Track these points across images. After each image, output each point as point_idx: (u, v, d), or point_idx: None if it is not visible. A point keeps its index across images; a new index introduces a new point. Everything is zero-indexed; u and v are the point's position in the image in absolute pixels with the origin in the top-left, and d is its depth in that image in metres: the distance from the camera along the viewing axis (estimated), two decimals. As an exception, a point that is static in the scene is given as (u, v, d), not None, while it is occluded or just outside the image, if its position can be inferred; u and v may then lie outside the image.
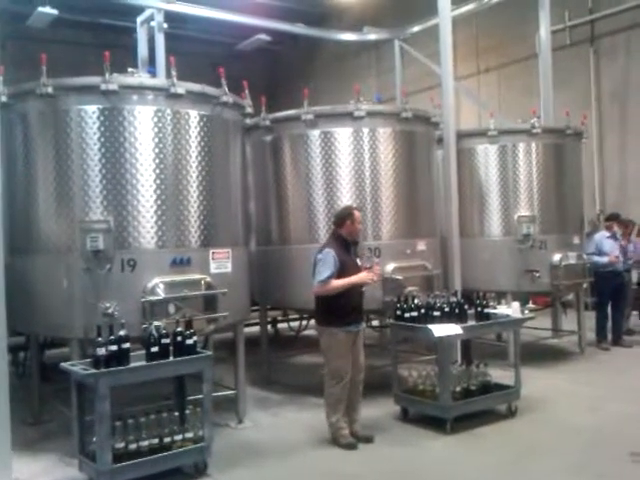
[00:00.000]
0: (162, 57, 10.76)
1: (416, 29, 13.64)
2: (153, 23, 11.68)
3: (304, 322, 10.15)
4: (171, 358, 5.16)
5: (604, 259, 9.51)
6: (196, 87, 6.13)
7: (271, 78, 20.34)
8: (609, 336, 9.82)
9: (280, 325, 11.00)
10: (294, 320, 10.44)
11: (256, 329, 8.72)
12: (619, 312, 9.97)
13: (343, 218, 5.97)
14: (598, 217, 13.32)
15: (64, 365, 5.10)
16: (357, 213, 5.97)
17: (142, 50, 11.51)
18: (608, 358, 9.18)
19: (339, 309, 5.77)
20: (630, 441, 5.69)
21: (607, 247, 9.73)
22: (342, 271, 5.74)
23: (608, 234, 9.96)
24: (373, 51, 17.87)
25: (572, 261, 8.77)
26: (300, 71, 20.04)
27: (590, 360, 9.07)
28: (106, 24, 17.65)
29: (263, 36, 17.37)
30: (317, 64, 20.03)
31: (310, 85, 17.75)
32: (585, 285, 9.36)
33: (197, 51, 19.25)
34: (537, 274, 8.54)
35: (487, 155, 8.98)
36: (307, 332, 10.63)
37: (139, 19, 11.78)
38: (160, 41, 10.86)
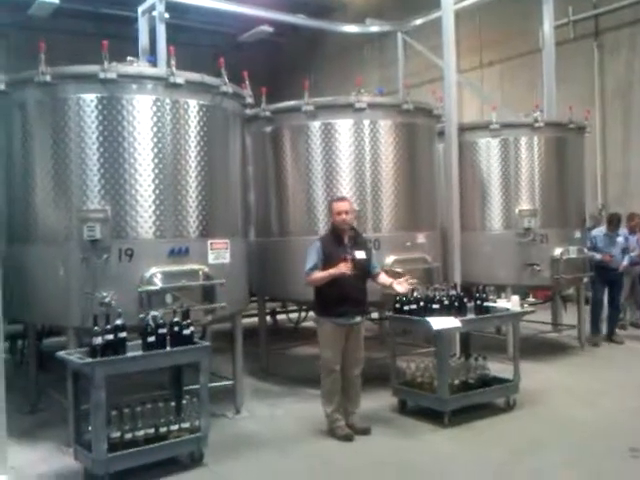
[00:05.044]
0: (163, 47, 10.68)
1: (419, 22, 13.55)
2: (154, 13, 11.62)
3: (303, 314, 10.13)
4: (168, 348, 5.15)
5: (597, 256, 9.46)
6: (195, 77, 6.10)
7: (273, 70, 20.24)
8: (603, 331, 9.80)
9: (279, 316, 10.99)
10: (293, 312, 10.43)
11: (255, 320, 8.71)
12: (614, 307, 9.95)
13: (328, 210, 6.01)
14: (600, 211, 13.28)
15: (60, 354, 5.08)
16: (337, 204, 5.91)
17: (143, 40, 11.45)
18: (607, 353, 9.17)
19: (327, 300, 5.77)
20: (629, 436, 5.67)
21: (601, 244, 9.73)
22: (327, 262, 5.73)
23: (605, 231, 9.92)
24: (376, 43, 17.78)
25: (573, 255, 8.74)
26: (302, 63, 19.96)
27: (589, 355, 9.05)
28: (108, 14, 17.61)
29: (265, 27, 17.29)
30: (319, 56, 19.95)
31: (312, 77, 17.78)
32: (586, 279, 9.32)
33: (199, 42, 19.21)
34: (538, 268, 8.51)
35: (489, 148, 8.93)
36: (306, 324, 10.64)
37: (140, 9, 11.71)
38: (161, 31, 10.78)
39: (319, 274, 5.69)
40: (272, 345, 8.60)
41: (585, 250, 9.14)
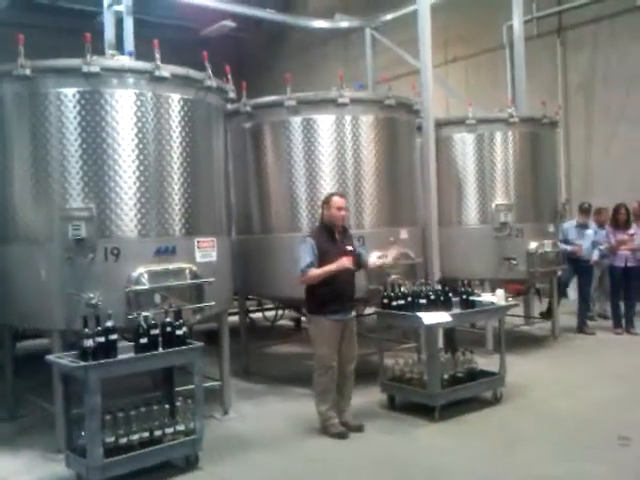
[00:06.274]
0: (131, 41, 10.48)
1: (389, 17, 13.58)
2: (118, 7, 11.36)
3: (280, 312, 10.05)
4: (160, 349, 5.02)
5: (568, 247, 9.69)
6: (180, 70, 5.96)
7: (236, 66, 19.98)
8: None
9: (254, 315, 10.87)
10: (269, 310, 10.34)
11: (233, 319, 8.58)
12: (583, 299, 10.18)
13: (321, 205, 5.94)
14: (564, 206, 13.52)
15: (50, 357, 4.91)
16: (336, 198, 5.84)
17: (109, 34, 11.15)
18: (580, 344, 9.36)
19: (322, 297, 5.69)
20: (616, 425, 5.77)
21: (572, 236, 9.99)
22: (322, 259, 5.67)
23: (575, 223, 10.24)
24: (341, 40, 17.74)
25: (548, 249, 8.89)
26: (265, 59, 19.79)
27: (563, 347, 9.22)
28: (67, 8, 17.16)
29: (228, 22, 17.11)
30: (283, 53, 19.80)
31: (276, 73, 17.63)
32: (559, 272, 9.50)
33: (160, 37, 18.81)
34: (514, 262, 8.62)
35: (464, 144, 9.01)
36: (282, 322, 10.57)
37: (106, 1, 11.40)
38: (129, 24, 10.54)
39: (317, 271, 5.61)
40: (250, 344, 8.49)
41: (559, 243, 9.31)
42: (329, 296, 5.66)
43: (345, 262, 5.60)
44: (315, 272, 5.63)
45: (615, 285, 10.00)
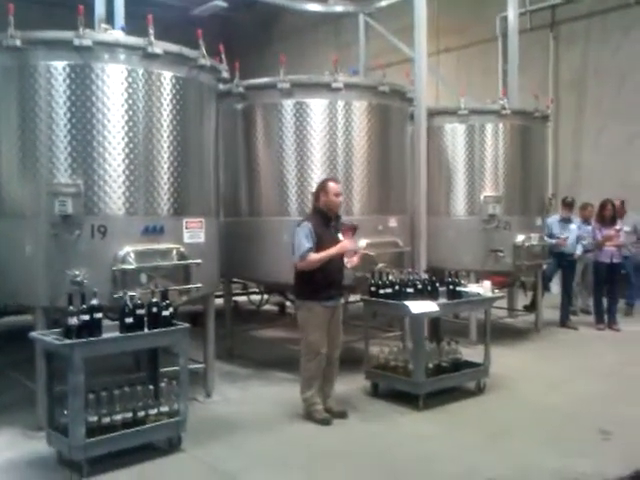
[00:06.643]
0: (121, 17, 10.25)
1: (384, 3, 13.47)
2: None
3: (265, 296, 10.01)
4: (146, 330, 4.96)
5: (552, 241, 9.73)
6: (173, 48, 5.86)
7: (226, 47, 19.80)
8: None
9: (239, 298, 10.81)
10: (254, 294, 10.29)
11: (218, 301, 8.52)
12: (566, 293, 10.24)
13: (318, 191, 5.87)
14: (550, 200, 13.57)
15: (34, 334, 4.83)
16: (332, 185, 5.80)
17: (99, 8, 10.89)
18: (563, 338, 9.42)
19: (316, 282, 5.65)
20: (598, 419, 5.81)
21: (556, 230, 10.03)
22: (319, 245, 5.62)
23: (559, 217, 10.30)
24: (332, 25, 17.62)
25: (534, 242, 8.92)
26: (256, 41, 19.61)
27: (547, 340, 9.28)
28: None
29: (219, 2, 16.88)
30: (274, 36, 19.64)
31: (266, 56, 17.47)
32: (545, 266, 9.55)
33: (150, 15, 18.56)
34: (501, 254, 8.64)
35: (455, 134, 8.98)
36: (265, 307, 10.53)
37: (97, -25, 11.18)
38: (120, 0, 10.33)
39: (317, 256, 5.56)
40: (235, 327, 8.44)
41: (545, 237, 9.34)
42: (323, 282, 5.63)
43: (347, 245, 5.60)
44: (315, 256, 5.56)
45: (599, 281, 10.06)
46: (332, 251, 5.60)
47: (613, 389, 6.81)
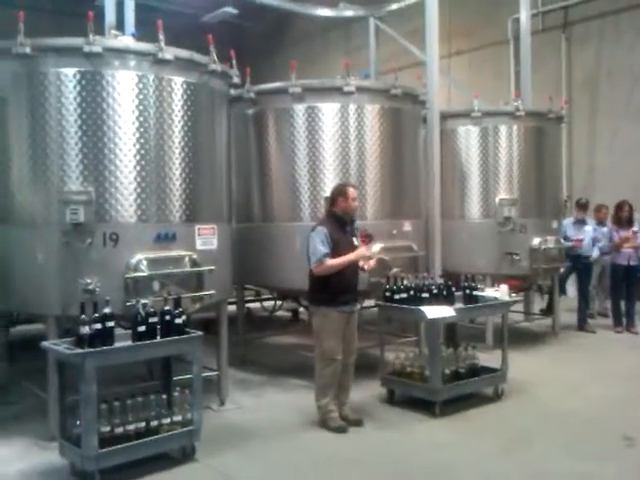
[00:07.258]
0: (132, 23, 10.25)
1: (394, 7, 13.42)
2: (120, -10, 11.17)
3: (278, 302, 9.93)
4: (159, 338, 4.90)
5: (567, 243, 9.59)
6: (184, 53, 5.82)
7: (236, 53, 19.82)
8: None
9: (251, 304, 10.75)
10: (267, 300, 10.22)
11: (230, 308, 8.46)
12: (582, 297, 10.09)
13: (336, 195, 5.78)
14: (565, 203, 13.43)
15: (46, 344, 4.78)
16: (351, 190, 5.76)
17: (109, 16, 10.91)
18: (581, 342, 9.27)
19: (332, 288, 5.57)
20: (621, 425, 5.68)
21: (571, 232, 9.89)
22: (335, 249, 5.55)
23: (573, 219, 10.19)
24: (342, 30, 17.58)
25: (551, 245, 8.79)
26: (266, 47, 19.61)
27: (564, 343, 9.14)
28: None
29: (229, 9, 16.90)
30: (284, 41, 19.63)
31: (276, 62, 17.45)
32: (562, 269, 9.42)
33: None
34: (517, 257, 8.52)
35: (469, 137, 8.90)
36: (278, 313, 10.45)
37: (107, -16, 11.20)
38: (130, 7, 10.33)
39: (334, 261, 5.49)
40: (248, 334, 8.38)
41: (561, 240, 9.21)
42: (339, 287, 5.56)
43: (364, 251, 5.56)
44: (333, 262, 5.49)
45: (617, 283, 9.91)
46: (350, 257, 5.54)
47: (634, 393, 6.68)
